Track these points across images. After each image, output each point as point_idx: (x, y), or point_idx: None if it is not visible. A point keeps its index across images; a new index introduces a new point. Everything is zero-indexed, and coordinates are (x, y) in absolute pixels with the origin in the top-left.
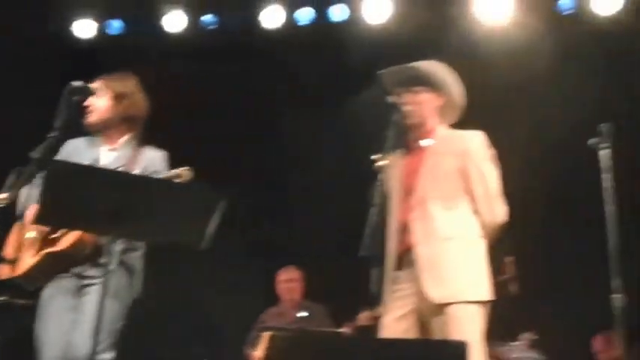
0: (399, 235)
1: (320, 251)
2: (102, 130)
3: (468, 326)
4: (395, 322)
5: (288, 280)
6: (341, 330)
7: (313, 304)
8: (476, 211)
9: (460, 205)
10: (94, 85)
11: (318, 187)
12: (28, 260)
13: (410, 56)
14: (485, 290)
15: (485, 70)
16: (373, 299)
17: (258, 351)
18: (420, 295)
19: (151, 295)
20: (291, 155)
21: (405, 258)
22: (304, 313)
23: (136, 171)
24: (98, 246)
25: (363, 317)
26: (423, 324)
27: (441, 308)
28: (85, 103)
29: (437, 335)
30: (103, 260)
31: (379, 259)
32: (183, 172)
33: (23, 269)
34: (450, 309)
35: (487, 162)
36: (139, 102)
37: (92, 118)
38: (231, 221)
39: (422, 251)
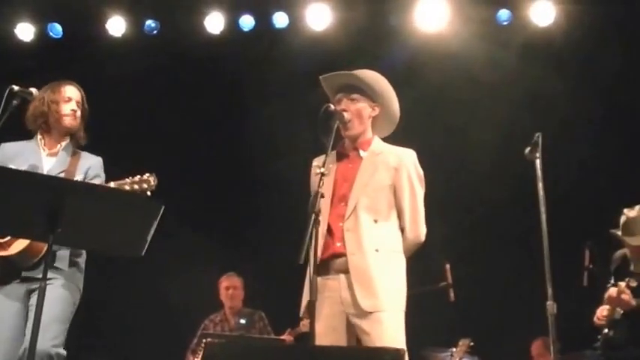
0: (325, 240)
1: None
2: (41, 134)
3: (394, 331)
4: (325, 328)
5: (230, 287)
6: (282, 337)
7: (255, 311)
8: (400, 227)
9: (388, 219)
10: (33, 89)
11: (264, 192)
12: None
13: (351, 62)
14: (404, 301)
15: (421, 76)
16: (311, 305)
17: (199, 358)
18: (350, 301)
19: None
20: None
21: (331, 263)
22: (244, 320)
23: (78, 176)
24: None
25: (305, 324)
26: (350, 330)
27: (367, 314)
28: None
29: (366, 338)
30: (51, 263)
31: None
32: (150, 178)
33: None
34: (376, 315)
35: (417, 182)
36: (84, 111)
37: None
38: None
39: (353, 261)
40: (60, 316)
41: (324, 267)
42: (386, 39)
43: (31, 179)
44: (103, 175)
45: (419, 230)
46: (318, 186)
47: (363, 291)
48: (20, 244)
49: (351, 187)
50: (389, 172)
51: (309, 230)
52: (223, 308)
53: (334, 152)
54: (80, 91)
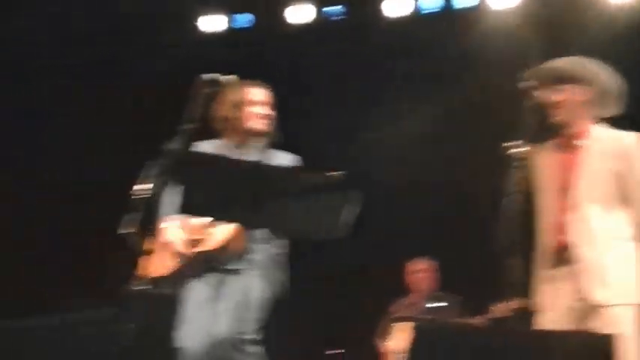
0: (553, 234)
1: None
2: (229, 135)
3: (626, 327)
4: (552, 321)
5: (418, 271)
6: (473, 321)
7: (447, 295)
8: (634, 215)
9: (616, 208)
10: (226, 77)
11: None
12: (171, 261)
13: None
14: None
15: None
16: (509, 291)
17: (391, 341)
18: (578, 295)
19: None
20: None
21: (560, 257)
22: (436, 304)
23: None
24: (243, 248)
25: (498, 309)
26: (579, 325)
27: (598, 309)
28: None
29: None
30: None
31: (515, 250)
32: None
33: (168, 269)
34: (609, 310)
35: None
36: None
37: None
38: None
39: (582, 253)
40: (254, 305)
41: (550, 259)
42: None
43: (229, 163)
44: None
45: None
46: (517, 167)
47: (594, 282)
48: (218, 239)
49: (574, 178)
50: (613, 159)
51: (509, 212)
52: (412, 292)
53: (544, 142)
54: (269, 93)
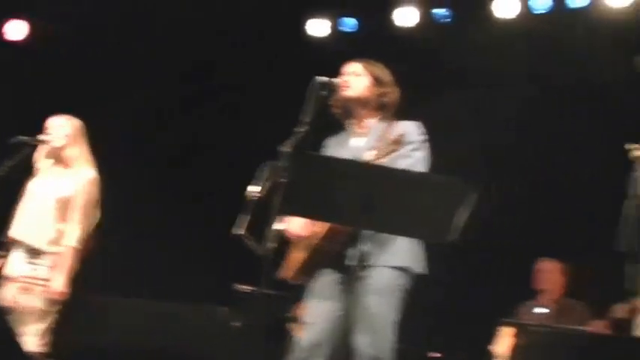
0: None
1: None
2: (352, 110)
3: None
4: None
5: (544, 271)
6: (594, 324)
7: (571, 301)
8: None
9: None
10: (338, 78)
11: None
12: (296, 259)
13: None
14: None
15: None
16: (627, 294)
17: (497, 345)
18: None
19: None
20: None
21: None
22: (544, 310)
23: (384, 153)
24: (350, 236)
25: (619, 310)
26: None
27: None
28: (339, 84)
29: None
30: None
31: (635, 254)
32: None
33: (293, 269)
34: None
35: None
36: (395, 92)
37: (349, 92)
38: None
39: None
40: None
41: None
42: None
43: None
44: (421, 140)
45: None
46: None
47: None
48: (321, 231)
49: None
50: None
51: (630, 216)
52: (538, 294)
53: None
54: (363, 64)
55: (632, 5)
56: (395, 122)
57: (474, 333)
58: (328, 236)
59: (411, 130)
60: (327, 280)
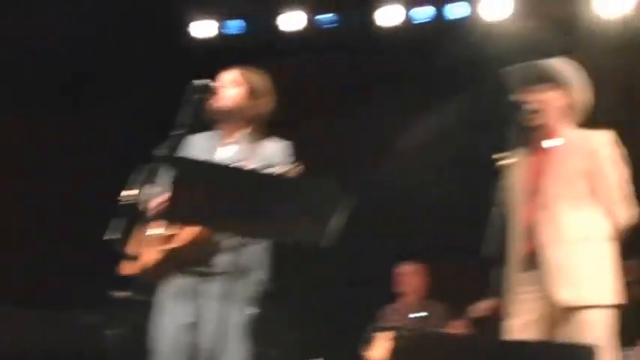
0: (524, 237)
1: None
2: (223, 120)
3: (599, 331)
4: (523, 327)
5: (405, 275)
6: (454, 324)
7: (432, 303)
8: (605, 213)
9: (587, 207)
10: (216, 83)
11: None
12: (149, 257)
13: (531, 54)
14: (616, 294)
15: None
16: (490, 294)
17: (373, 351)
18: (548, 299)
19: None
20: None
21: (531, 260)
22: (418, 314)
23: (254, 165)
24: (213, 245)
25: (478, 308)
26: (551, 330)
27: (569, 312)
28: (217, 89)
29: (566, 335)
30: (218, 260)
31: (499, 260)
32: (292, 169)
33: (144, 265)
34: (580, 313)
35: (613, 163)
36: (269, 103)
37: (221, 103)
38: None
39: (550, 254)
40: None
41: (523, 263)
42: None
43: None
44: (286, 161)
45: (616, 213)
46: (503, 178)
47: (561, 283)
48: (185, 236)
49: (546, 178)
50: (582, 158)
51: (496, 222)
52: (400, 297)
53: (523, 148)
54: (239, 72)
55: (509, 18)
56: (264, 140)
57: (341, 338)
58: (192, 242)
59: (278, 151)
60: (179, 285)
